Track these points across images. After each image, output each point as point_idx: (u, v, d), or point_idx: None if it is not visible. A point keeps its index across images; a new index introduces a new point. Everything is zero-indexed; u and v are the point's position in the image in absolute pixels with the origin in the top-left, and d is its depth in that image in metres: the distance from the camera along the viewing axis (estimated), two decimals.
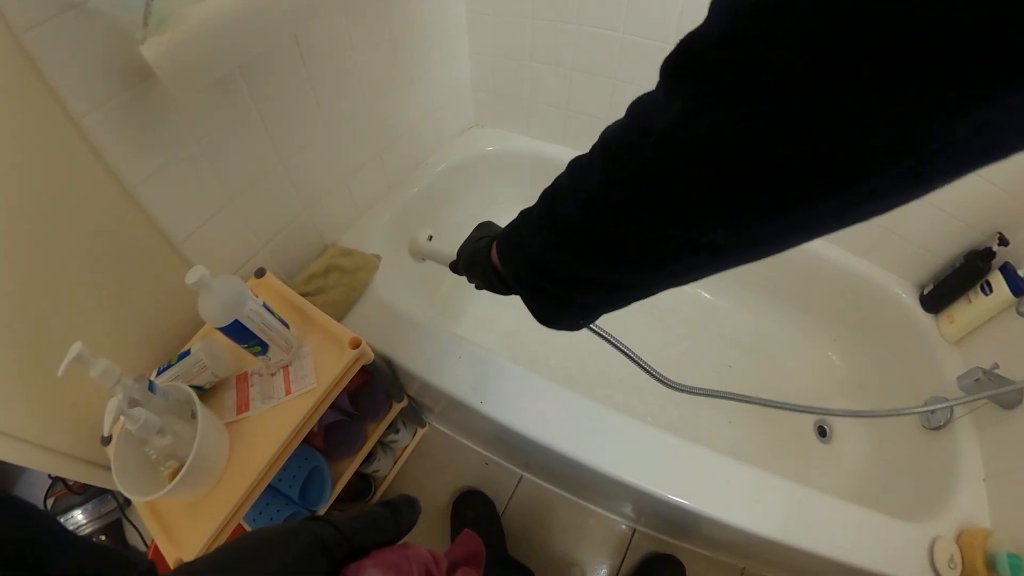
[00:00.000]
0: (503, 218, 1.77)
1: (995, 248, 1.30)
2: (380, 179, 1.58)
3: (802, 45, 0.26)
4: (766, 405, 1.11)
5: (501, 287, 0.68)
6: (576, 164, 0.46)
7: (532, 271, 0.53)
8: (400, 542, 0.45)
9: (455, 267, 0.87)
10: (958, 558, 1.06)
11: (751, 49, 0.29)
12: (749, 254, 0.39)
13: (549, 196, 0.49)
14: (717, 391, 1.06)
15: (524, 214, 0.55)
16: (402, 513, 0.46)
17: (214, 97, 0.99)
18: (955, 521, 1.13)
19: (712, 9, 0.32)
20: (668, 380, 1.07)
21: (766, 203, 0.33)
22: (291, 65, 1.12)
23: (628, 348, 1.01)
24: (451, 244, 0.92)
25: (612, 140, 0.40)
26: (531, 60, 1.64)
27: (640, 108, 0.39)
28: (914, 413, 1.10)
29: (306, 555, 0.37)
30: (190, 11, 0.80)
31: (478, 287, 0.77)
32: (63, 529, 0.48)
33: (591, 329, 0.93)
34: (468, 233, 0.80)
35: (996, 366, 1.23)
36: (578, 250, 0.46)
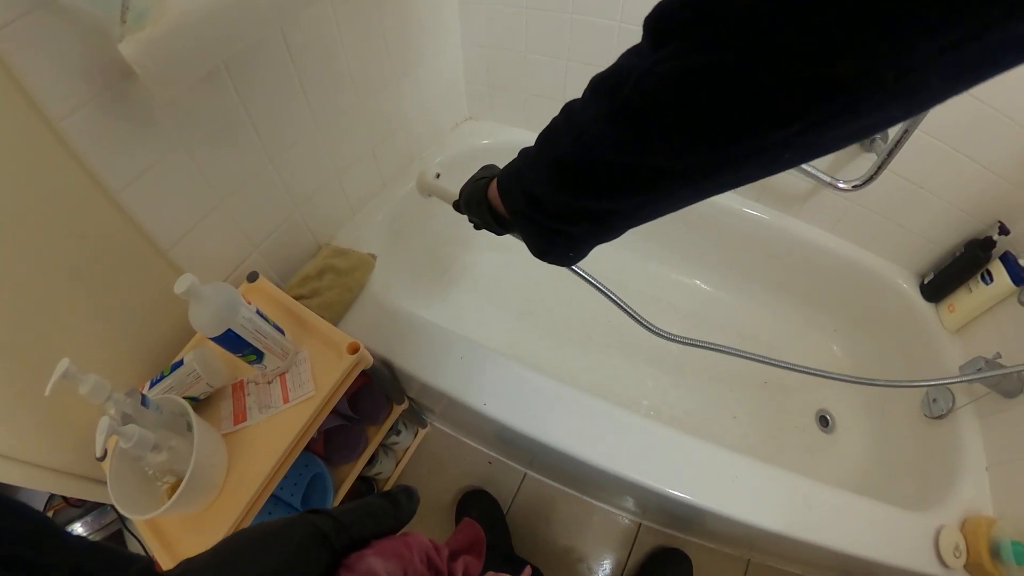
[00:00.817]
0: None
1: (995, 237, 1.30)
2: (374, 176, 1.54)
3: (752, 7, 0.32)
4: (758, 360, 1.11)
5: (496, 225, 0.74)
6: (570, 106, 0.52)
7: (527, 203, 0.57)
8: (400, 532, 0.44)
9: (457, 205, 0.91)
10: (963, 546, 1.07)
11: (709, 5, 0.35)
12: (714, 181, 0.44)
13: (545, 134, 0.54)
14: (705, 342, 1.07)
15: (523, 152, 0.60)
16: (401, 503, 0.46)
17: (199, 95, 0.95)
18: (959, 510, 1.14)
19: None
20: (653, 327, 1.08)
21: (723, 131, 0.38)
22: (279, 60, 1.08)
23: (612, 292, 1.04)
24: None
25: (600, 81, 0.47)
26: (526, 51, 1.60)
27: (627, 56, 0.45)
28: (912, 386, 1.11)
29: (306, 546, 0.37)
30: (171, 4, 0.75)
31: (476, 227, 0.83)
32: (58, 528, 0.48)
33: (584, 277, 1.08)
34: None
35: (998, 355, 1.23)
36: (566, 179, 0.51)
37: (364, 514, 0.42)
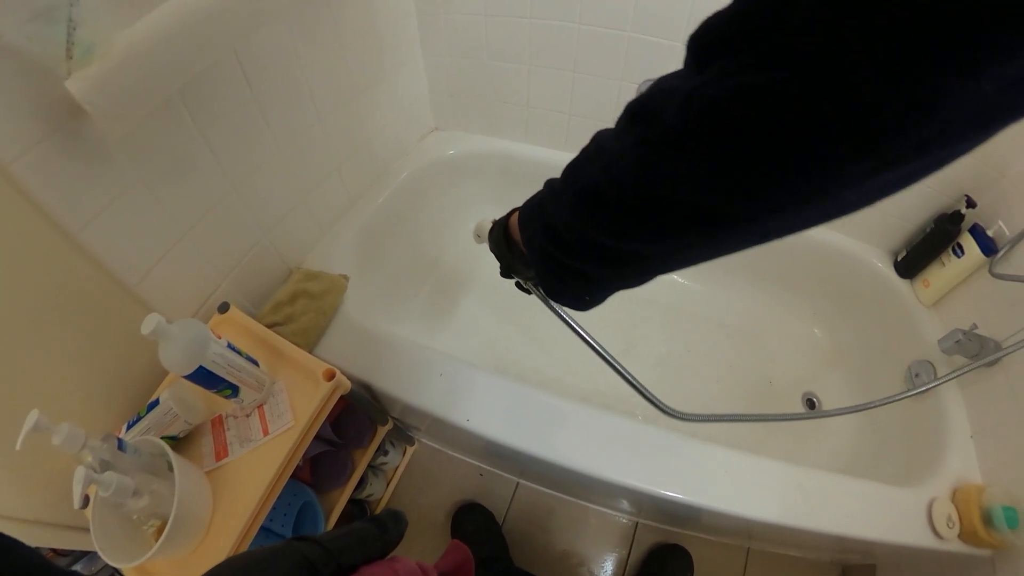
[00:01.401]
0: (472, 218, 1.74)
1: (963, 211, 1.32)
2: (341, 194, 1.53)
3: (819, 16, 0.28)
4: (787, 419, 1.11)
5: (509, 255, 0.70)
6: (601, 133, 0.48)
7: (545, 235, 0.54)
8: (388, 556, 0.44)
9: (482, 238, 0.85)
10: (955, 517, 1.08)
11: (768, 22, 0.30)
12: (762, 228, 0.40)
13: (573, 163, 0.50)
14: (728, 415, 1.06)
15: (548, 182, 0.56)
16: (388, 527, 0.46)
17: (154, 127, 0.92)
18: (949, 481, 1.15)
19: None
20: (668, 408, 1.06)
21: (781, 166, 0.33)
22: (235, 85, 1.06)
23: (626, 370, 0.99)
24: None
25: (637, 107, 0.42)
26: (487, 58, 1.60)
27: (667, 79, 0.40)
28: (906, 397, 1.11)
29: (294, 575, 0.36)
30: (117, 37, 0.74)
31: (502, 272, 0.79)
32: (50, 564, 0.46)
33: (587, 342, 0.94)
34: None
35: (975, 326, 1.24)
36: (591, 211, 0.46)
37: (351, 540, 0.41)
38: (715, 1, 1.08)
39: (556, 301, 0.61)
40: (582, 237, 0.49)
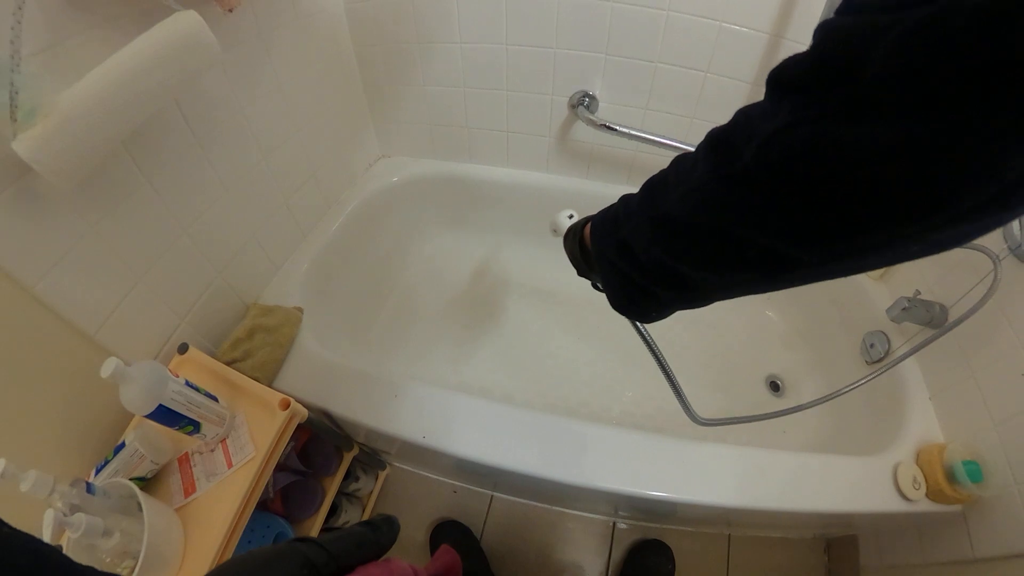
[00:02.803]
0: (425, 242, 1.79)
1: None
2: (291, 228, 1.55)
3: (893, 71, 0.28)
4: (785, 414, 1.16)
5: (583, 262, 0.71)
6: (681, 159, 0.48)
7: (617, 251, 0.55)
8: (382, 558, 0.46)
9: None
10: (920, 477, 1.12)
11: (845, 72, 0.31)
12: (824, 271, 0.40)
13: (651, 185, 0.51)
14: (738, 418, 1.11)
15: (625, 199, 0.57)
16: (382, 530, 0.48)
17: (102, 178, 0.95)
18: (912, 443, 1.19)
19: (816, 30, 0.35)
20: (696, 416, 1.12)
21: (851, 219, 0.34)
22: (177, 131, 1.09)
23: (672, 375, 1.07)
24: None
25: (718, 140, 0.42)
26: (424, 83, 1.65)
27: (747, 112, 0.41)
28: (875, 377, 1.17)
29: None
30: (60, 98, 0.77)
31: (578, 273, 0.80)
32: (72, 563, 0.47)
33: (652, 350, 1.02)
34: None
35: (918, 293, 1.30)
36: (666, 238, 0.47)
37: (349, 542, 0.43)
38: (628, 18, 1.15)
39: (620, 312, 0.60)
40: (655, 260, 0.50)
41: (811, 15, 1.15)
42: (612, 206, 0.60)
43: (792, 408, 1.15)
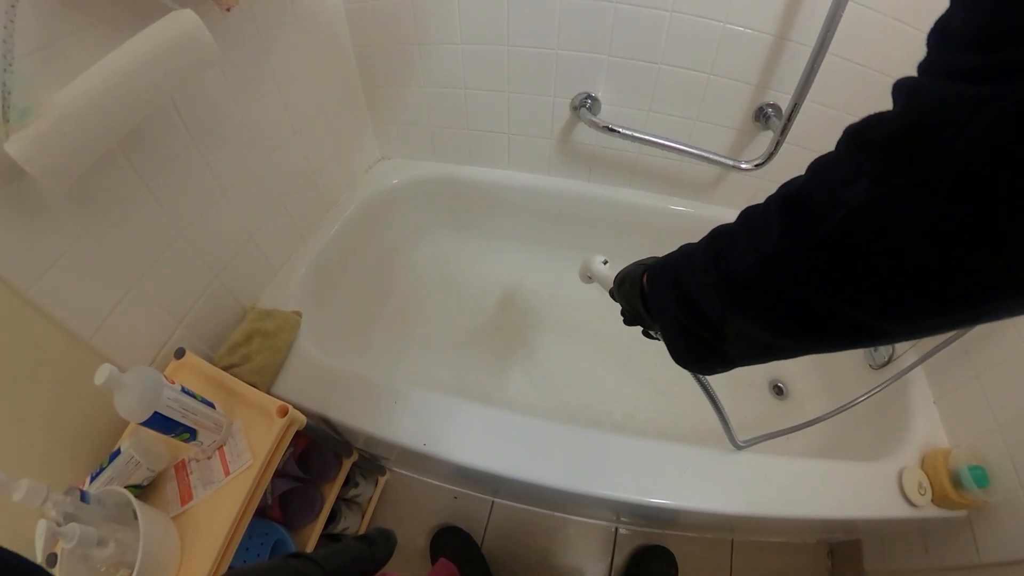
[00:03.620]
0: (425, 245, 1.78)
1: None
2: (290, 231, 1.54)
3: (996, 149, 0.27)
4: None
5: (645, 316, 0.67)
6: (751, 216, 0.47)
7: (681, 307, 0.53)
8: (379, 573, 0.46)
9: (612, 293, 0.84)
10: (926, 483, 1.11)
11: (937, 145, 0.30)
12: (910, 338, 0.40)
13: (718, 240, 0.50)
14: (775, 432, 1.13)
15: (686, 251, 0.55)
16: (378, 544, 0.48)
17: (97, 180, 0.93)
18: (917, 448, 1.18)
19: (899, 89, 0.34)
20: (737, 441, 1.13)
21: (948, 296, 0.33)
22: (174, 132, 1.07)
23: (720, 404, 1.07)
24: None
25: (795, 200, 0.41)
26: (424, 85, 1.64)
27: (823, 171, 0.40)
28: (883, 388, 1.16)
29: None
30: (53, 98, 0.75)
31: (626, 321, 0.78)
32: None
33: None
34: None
35: None
36: (742, 302, 0.46)
37: (345, 558, 0.43)
38: (631, 19, 1.13)
39: (682, 366, 0.59)
40: (729, 322, 0.48)
41: (815, 17, 1.14)
42: (669, 257, 0.58)
43: (814, 420, 1.14)
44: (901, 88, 0.34)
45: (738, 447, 1.13)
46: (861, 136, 0.36)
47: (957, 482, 1.07)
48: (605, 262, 1.07)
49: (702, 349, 0.54)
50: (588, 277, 1.09)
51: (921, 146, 0.31)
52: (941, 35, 0.33)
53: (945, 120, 0.29)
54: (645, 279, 0.63)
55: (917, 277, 0.34)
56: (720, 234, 0.50)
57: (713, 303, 0.49)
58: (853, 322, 0.39)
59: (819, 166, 0.40)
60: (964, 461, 1.07)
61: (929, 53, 0.34)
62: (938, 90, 0.31)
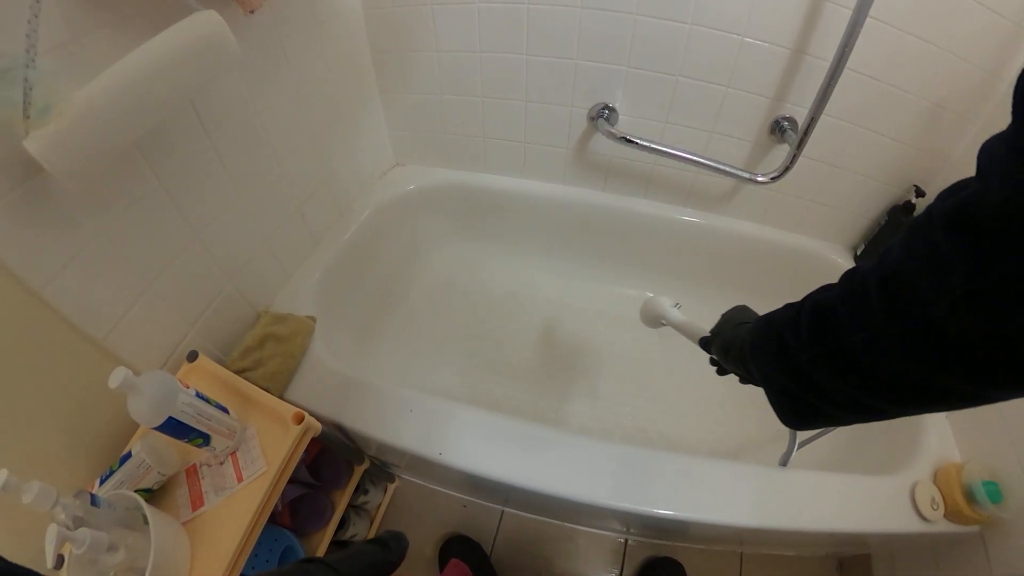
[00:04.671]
0: (437, 252, 1.77)
1: (913, 200, 1.39)
2: (304, 235, 1.54)
3: None
4: None
5: (750, 379, 0.68)
6: (851, 288, 0.47)
7: (792, 378, 0.54)
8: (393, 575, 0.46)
9: (706, 344, 0.85)
10: (939, 497, 1.10)
11: None
12: (1005, 399, 0.40)
13: (820, 312, 0.51)
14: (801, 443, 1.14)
15: (787, 316, 0.56)
16: (391, 547, 0.48)
17: (114, 180, 0.93)
18: (929, 463, 1.17)
19: (985, 172, 0.35)
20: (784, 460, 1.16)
21: None
22: (192, 134, 1.07)
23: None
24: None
25: (897, 281, 0.42)
26: (441, 92, 1.64)
27: (921, 251, 0.40)
28: None
29: None
30: (74, 96, 0.74)
31: (720, 371, 0.80)
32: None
33: None
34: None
35: None
36: (850, 374, 0.47)
37: (358, 561, 0.43)
38: (651, 31, 1.12)
39: (786, 424, 0.60)
40: (841, 392, 0.49)
41: (834, 32, 1.14)
42: (771, 323, 0.59)
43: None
44: (990, 161, 0.35)
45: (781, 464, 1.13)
46: (956, 221, 0.37)
47: (970, 497, 1.06)
48: (677, 305, 1.06)
49: (812, 414, 0.55)
50: (659, 323, 1.07)
51: (1017, 234, 0.32)
52: None
53: None
54: (749, 346, 0.64)
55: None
56: (822, 306, 0.51)
57: (824, 375, 0.50)
58: (967, 394, 0.40)
59: (914, 242, 0.41)
60: (977, 476, 1.07)
61: (1020, 120, 0.33)
62: None
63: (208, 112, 1.08)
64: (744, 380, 0.72)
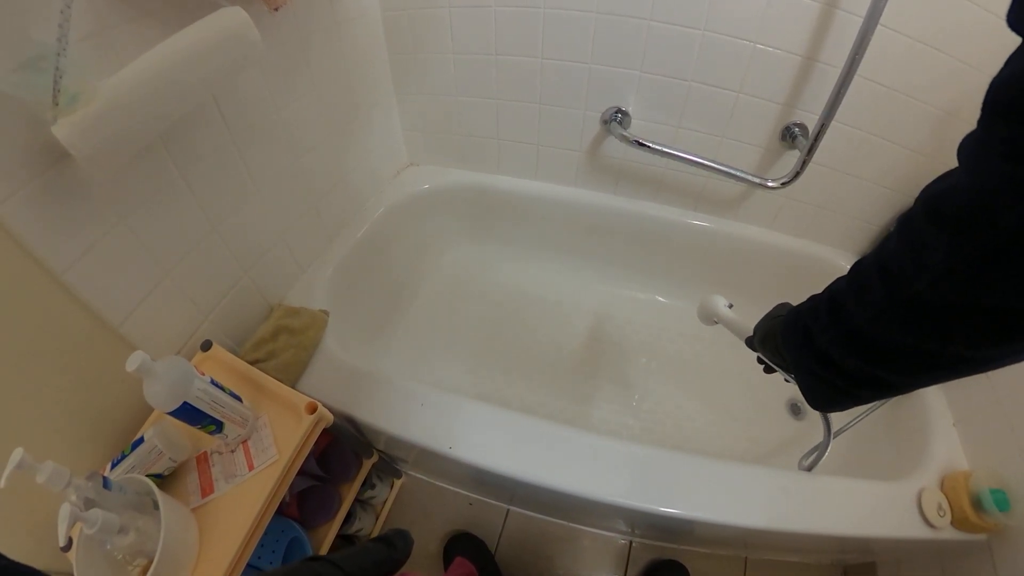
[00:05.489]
0: (449, 251, 1.79)
1: None
2: (319, 231, 1.56)
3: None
4: None
5: (789, 368, 0.73)
6: (858, 275, 0.54)
7: (818, 361, 0.60)
8: (399, 573, 0.46)
9: (750, 342, 0.91)
10: (946, 505, 1.10)
11: (995, 217, 0.38)
12: (1008, 361, 0.46)
13: (835, 297, 0.57)
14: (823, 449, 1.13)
15: (811, 305, 0.63)
16: (396, 545, 0.48)
17: (136, 170, 0.95)
18: (936, 470, 1.17)
19: (966, 157, 0.43)
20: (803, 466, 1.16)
21: (1010, 333, 0.42)
22: (212, 126, 1.09)
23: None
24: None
25: (890, 263, 0.49)
26: (456, 94, 1.66)
27: (910, 237, 0.47)
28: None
29: None
30: (102, 86, 0.76)
31: (766, 369, 0.87)
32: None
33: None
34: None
35: None
36: (863, 351, 0.53)
37: (364, 559, 0.43)
38: (665, 36, 1.14)
39: (819, 410, 0.68)
40: (856, 368, 0.55)
41: (844, 39, 1.15)
42: (799, 313, 0.65)
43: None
44: (967, 157, 0.42)
45: (806, 469, 1.13)
46: (935, 207, 0.44)
47: (978, 505, 1.06)
48: (730, 305, 1.10)
49: (838, 395, 0.60)
50: (712, 320, 1.11)
51: (982, 221, 0.39)
52: (1003, 106, 0.38)
53: (1000, 202, 0.37)
54: (780, 336, 0.71)
55: (994, 319, 0.42)
56: (836, 294, 0.57)
57: (840, 354, 0.56)
58: (957, 357, 0.47)
59: (903, 230, 0.48)
60: (985, 484, 1.06)
61: (986, 120, 0.39)
62: (997, 171, 0.37)
63: (229, 107, 1.10)
64: (782, 369, 0.80)
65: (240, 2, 0.92)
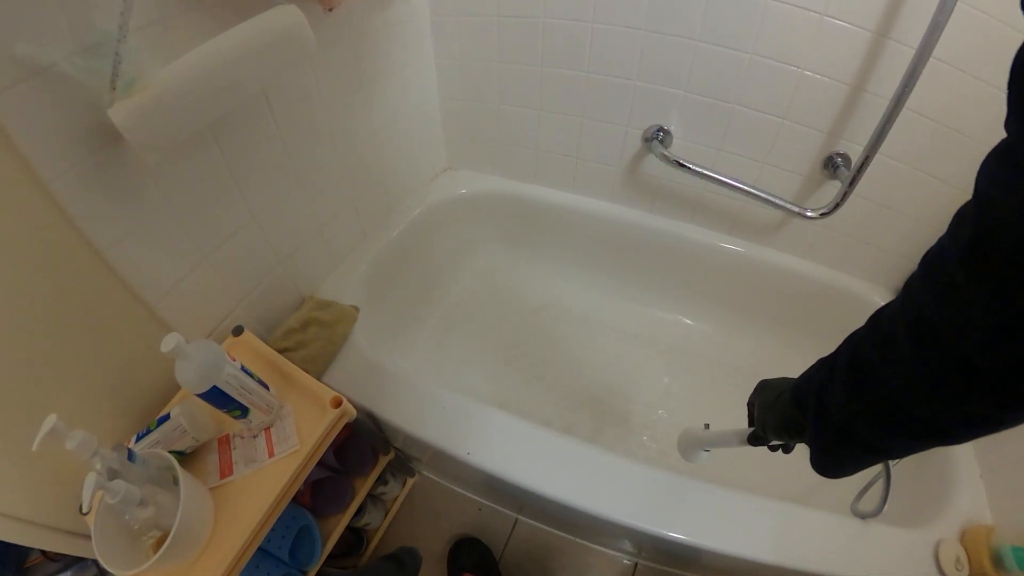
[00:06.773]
0: (479, 257, 1.79)
1: None
2: (354, 228, 1.58)
3: None
4: None
5: (788, 438, 0.72)
6: (881, 335, 0.49)
7: (833, 435, 0.56)
8: None
9: (754, 438, 0.82)
10: (964, 558, 1.06)
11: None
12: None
13: (857, 367, 0.52)
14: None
15: (823, 377, 0.58)
16: (406, 564, 0.48)
17: (185, 156, 0.98)
18: (957, 521, 1.13)
19: (988, 196, 0.37)
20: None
21: None
22: (261, 119, 1.12)
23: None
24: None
25: (919, 322, 0.43)
26: (500, 102, 1.67)
27: (938, 286, 0.42)
28: None
29: None
30: (158, 73, 0.79)
31: (785, 450, 0.80)
32: None
33: None
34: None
35: None
36: (888, 422, 0.49)
37: None
38: (711, 57, 1.14)
39: (828, 477, 0.62)
40: (876, 436, 0.51)
41: (895, 70, 1.13)
42: (810, 384, 0.61)
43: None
44: (993, 186, 0.37)
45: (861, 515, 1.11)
46: (974, 251, 0.38)
47: (998, 562, 1.02)
48: (707, 426, 1.04)
49: (854, 465, 0.58)
50: (702, 448, 1.05)
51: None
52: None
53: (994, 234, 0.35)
54: (791, 415, 0.66)
55: None
56: (856, 360, 0.52)
57: (863, 427, 0.51)
58: (989, 419, 0.42)
59: (932, 280, 0.43)
60: (1008, 541, 1.03)
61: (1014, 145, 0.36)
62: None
63: (278, 101, 1.13)
64: (794, 439, 0.73)
65: (296, 1, 0.95)
